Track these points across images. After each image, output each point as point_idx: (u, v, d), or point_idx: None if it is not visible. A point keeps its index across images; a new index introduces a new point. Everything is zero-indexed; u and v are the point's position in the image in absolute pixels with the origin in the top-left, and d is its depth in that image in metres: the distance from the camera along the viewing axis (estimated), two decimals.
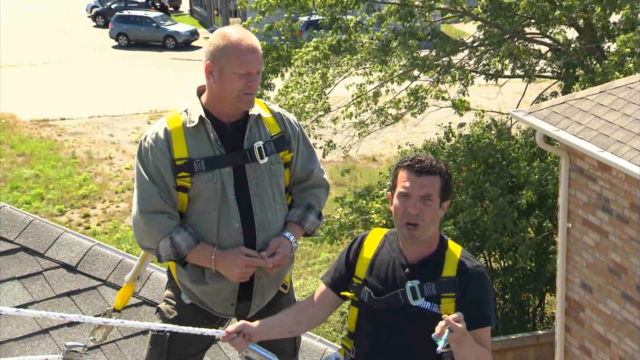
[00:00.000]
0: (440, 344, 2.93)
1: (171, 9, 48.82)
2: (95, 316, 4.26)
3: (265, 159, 3.49)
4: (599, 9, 13.62)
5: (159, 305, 3.71)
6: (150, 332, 3.62)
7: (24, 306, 4.31)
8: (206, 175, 3.42)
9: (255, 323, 3.31)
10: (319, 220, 3.64)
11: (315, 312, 3.39)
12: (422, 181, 3.15)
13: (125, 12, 41.11)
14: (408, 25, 14.61)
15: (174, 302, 3.62)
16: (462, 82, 15.26)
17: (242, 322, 3.29)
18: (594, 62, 14.26)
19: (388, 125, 15.78)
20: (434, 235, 3.25)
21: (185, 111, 3.50)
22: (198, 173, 3.42)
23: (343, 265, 3.37)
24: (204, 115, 3.45)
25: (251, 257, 3.42)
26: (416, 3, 14.78)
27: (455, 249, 3.26)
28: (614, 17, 14.48)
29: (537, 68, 15.63)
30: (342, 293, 3.35)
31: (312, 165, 3.67)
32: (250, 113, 3.52)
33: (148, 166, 3.44)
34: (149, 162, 3.44)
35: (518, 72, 15.48)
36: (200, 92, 3.57)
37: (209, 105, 3.49)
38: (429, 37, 15.29)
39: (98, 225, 19.77)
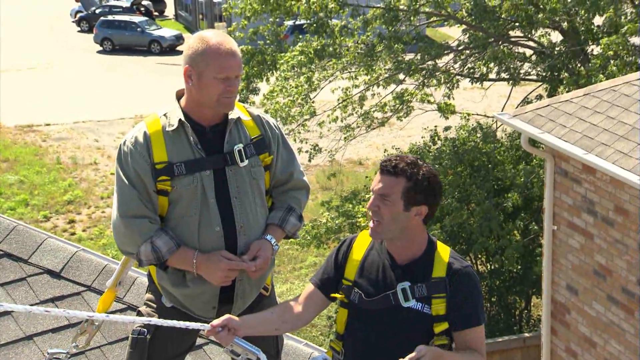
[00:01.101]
0: None
1: (156, 13, 48.70)
2: (80, 322, 4.24)
3: (246, 162, 3.49)
4: (583, 12, 13.68)
5: (139, 309, 3.70)
6: (130, 335, 3.60)
7: (7, 313, 4.27)
8: (186, 179, 3.41)
9: (241, 318, 3.32)
10: (299, 223, 3.64)
11: (301, 312, 3.38)
12: (383, 180, 3.17)
13: (110, 17, 40.98)
14: (393, 29, 14.64)
15: (155, 306, 3.61)
16: (448, 85, 15.29)
17: (227, 316, 3.29)
18: (578, 65, 14.33)
19: (374, 129, 15.80)
20: (420, 237, 3.25)
21: (165, 115, 3.49)
22: (178, 177, 3.41)
23: (332, 267, 3.37)
24: (183, 119, 3.44)
25: (233, 261, 3.41)
26: (401, 7, 14.81)
27: (443, 250, 3.27)
28: (598, 20, 14.54)
29: (522, 71, 15.69)
30: (331, 295, 3.35)
31: (292, 167, 3.67)
32: (229, 117, 3.51)
33: (128, 170, 3.43)
34: (129, 166, 3.43)
35: (503, 75, 15.53)
36: (179, 96, 3.56)
37: (188, 109, 3.48)
38: (414, 40, 15.32)
39: (83, 231, 19.67)
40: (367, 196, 14.19)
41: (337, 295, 3.34)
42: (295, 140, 15.01)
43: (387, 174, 3.16)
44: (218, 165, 3.46)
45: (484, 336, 3.26)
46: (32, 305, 4.31)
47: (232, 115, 3.51)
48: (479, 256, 14.38)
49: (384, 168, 3.17)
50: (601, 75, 12.15)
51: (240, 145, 3.48)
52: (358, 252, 3.34)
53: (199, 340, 4.31)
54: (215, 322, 3.26)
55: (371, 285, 3.25)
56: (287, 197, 3.65)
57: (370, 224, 3.21)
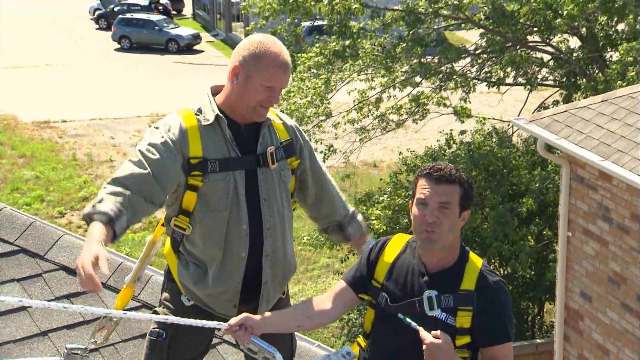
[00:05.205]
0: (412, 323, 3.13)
1: (174, 12, 48.88)
2: (95, 319, 4.26)
3: (276, 165, 3.50)
4: (603, 17, 13.59)
5: (156, 309, 3.69)
6: (148, 336, 3.60)
7: (23, 308, 4.30)
8: (219, 175, 3.40)
9: (259, 316, 3.32)
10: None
11: (329, 309, 3.37)
12: (441, 189, 3.13)
13: (128, 15, 41.14)
14: (412, 32, 14.59)
15: (172, 306, 3.59)
16: (464, 89, 15.26)
17: (244, 314, 3.29)
18: (596, 71, 14.26)
19: (389, 131, 15.78)
20: (455, 245, 3.23)
21: (199, 110, 3.45)
22: (211, 173, 3.39)
23: (364, 265, 3.37)
24: (220, 114, 3.42)
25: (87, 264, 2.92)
26: (420, 10, 14.79)
27: (476, 261, 3.24)
28: (621, 25, 14.45)
29: (539, 76, 15.63)
30: (360, 295, 3.36)
31: (316, 159, 3.82)
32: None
33: (160, 142, 3.33)
34: (165, 137, 3.35)
35: (520, 80, 15.48)
36: (214, 92, 3.53)
37: (223, 106, 3.45)
38: (434, 43, 15.27)
39: None
40: (380, 198, 14.17)
41: (365, 296, 3.35)
42: (310, 140, 14.99)
43: (445, 183, 3.13)
44: (251, 165, 3.45)
45: (512, 352, 3.21)
46: (48, 301, 4.33)
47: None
48: (493, 261, 14.34)
49: (440, 177, 3.13)
50: (620, 82, 12.08)
51: (272, 148, 3.49)
52: (390, 254, 3.33)
53: (213, 340, 4.32)
54: (232, 320, 3.26)
55: (398, 290, 3.24)
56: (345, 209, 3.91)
57: (424, 233, 3.15)
